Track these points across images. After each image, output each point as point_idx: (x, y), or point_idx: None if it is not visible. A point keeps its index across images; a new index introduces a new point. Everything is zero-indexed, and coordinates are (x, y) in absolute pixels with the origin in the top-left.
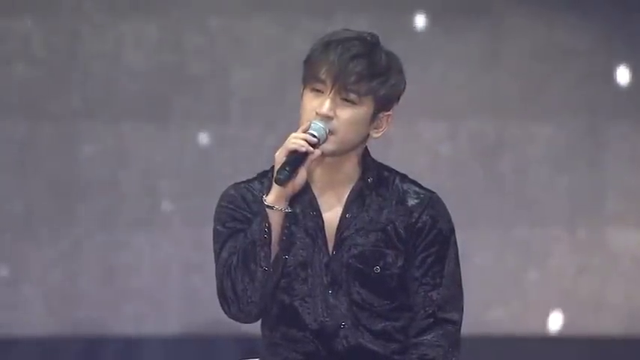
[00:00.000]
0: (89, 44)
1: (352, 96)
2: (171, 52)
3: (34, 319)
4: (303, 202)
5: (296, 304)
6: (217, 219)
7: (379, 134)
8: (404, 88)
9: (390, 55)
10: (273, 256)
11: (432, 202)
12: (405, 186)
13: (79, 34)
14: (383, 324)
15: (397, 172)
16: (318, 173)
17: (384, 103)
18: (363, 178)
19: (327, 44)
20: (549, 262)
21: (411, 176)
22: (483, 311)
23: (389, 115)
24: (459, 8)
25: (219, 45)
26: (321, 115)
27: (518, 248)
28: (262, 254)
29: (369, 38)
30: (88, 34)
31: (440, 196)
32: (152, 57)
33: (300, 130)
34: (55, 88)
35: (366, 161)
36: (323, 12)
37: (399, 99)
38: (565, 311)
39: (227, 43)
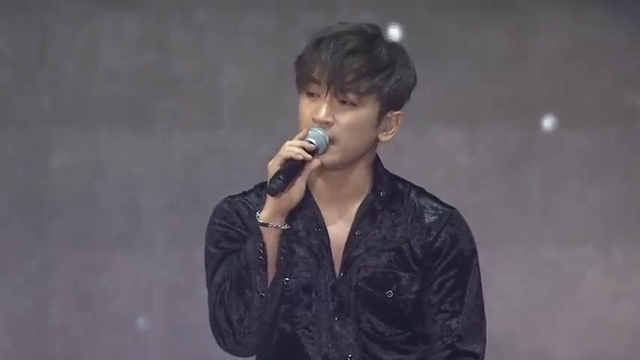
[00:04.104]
0: (61, 41)
1: (351, 96)
2: (155, 50)
3: None
4: (306, 218)
5: (298, 332)
6: (209, 238)
7: (388, 137)
8: (414, 82)
9: (393, 47)
10: (270, 280)
11: (452, 219)
12: (422, 201)
13: (49, 29)
14: (395, 356)
15: (413, 185)
16: (323, 185)
17: (391, 101)
18: (374, 191)
19: (319, 41)
20: (581, 286)
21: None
22: (507, 341)
23: (399, 114)
24: (478, 2)
25: (209, 42)
26: (318, 121)
27: (545, 271)
28: (258, 278)
29: (369, 30)
30: (59, 30)
31: None
32: (132, 55)
33: (296, 137)
34: (23, 90)
35: (378, 171)
36: (324, 5)
37: (409, 95)
38: (598, 341)
39: (217, 39)
